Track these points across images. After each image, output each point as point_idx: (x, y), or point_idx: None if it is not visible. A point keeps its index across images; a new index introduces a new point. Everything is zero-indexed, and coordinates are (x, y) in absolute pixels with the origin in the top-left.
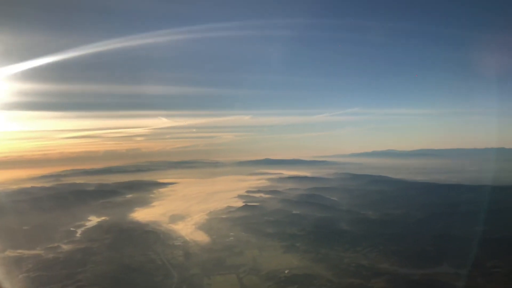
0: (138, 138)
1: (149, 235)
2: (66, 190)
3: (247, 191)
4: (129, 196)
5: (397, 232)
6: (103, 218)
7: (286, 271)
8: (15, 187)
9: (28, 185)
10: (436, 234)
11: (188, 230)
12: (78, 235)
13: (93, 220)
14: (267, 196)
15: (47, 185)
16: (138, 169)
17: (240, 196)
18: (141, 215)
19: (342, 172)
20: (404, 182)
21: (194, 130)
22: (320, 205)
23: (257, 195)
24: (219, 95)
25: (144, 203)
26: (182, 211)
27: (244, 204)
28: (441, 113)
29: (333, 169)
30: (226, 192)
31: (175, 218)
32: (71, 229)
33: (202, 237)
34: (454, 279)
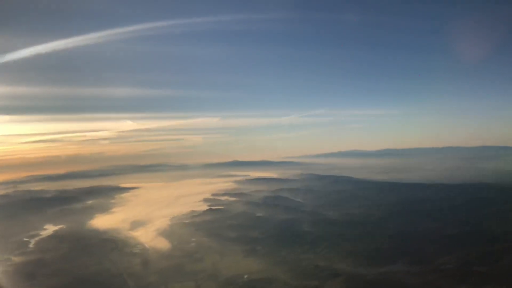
0: (103, 142)
1: (106, 243)
2: (23, 198)
3: (213, 194)
4: (89, 202)
5: (355, 232)
6: (60, 226)
7: (245, 276)
8: None
9: None
10: (392, 232)
11: (149, 237)
12: (31, 245)
13: (49, 229)
14: (232, 199)
15: (2, 192)
16: (102, 173)
17: (205, 200)
18: (100, 222)
19: (307, 173)
20: (366, 182)
21: (161, 132)
22: (283, 206)
23: (222, 198)
24: (186, 97)
25: (105, 209)
26: (144, 216)
27: (208, 208)
28: (403, 113)
29: (299, 170)
30: (192, 196)
31: (135, 225)
32: (24, 239)
33: (162, 244)
34: (406, 277)
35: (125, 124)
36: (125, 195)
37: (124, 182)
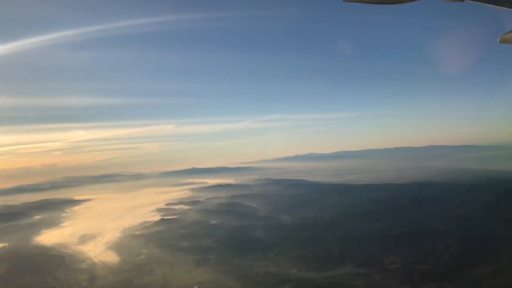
0: (54, 153)
1: (52, 260)
2: None
3: (167, 204)
4: (38, 217)
5: (307, 236)
6: (2, 245)
7: (195, 287)
8: None
9: None
10: (342, 235)
11: (98, 251)
12: None
13: None
14: (187, 207)
15: None
16: (53, 186)
17: (158, 210)
18: (48, 238)
19: (264, 178)
20: (320, 185)
21: (115, 141)
22: (238, 213)
23: (177, 207)
24: (140, 105)
25: (54, 224)
26: (94, 230)
27: (161, 218)
28: (358, 116)
29: (256, 175)
30: (145, 206)
31: (85, 238)
32: None
33: (111, 257)
34: (354, 279)
35: (77, 134)
36: (77, 208)
37: (77, 194)
